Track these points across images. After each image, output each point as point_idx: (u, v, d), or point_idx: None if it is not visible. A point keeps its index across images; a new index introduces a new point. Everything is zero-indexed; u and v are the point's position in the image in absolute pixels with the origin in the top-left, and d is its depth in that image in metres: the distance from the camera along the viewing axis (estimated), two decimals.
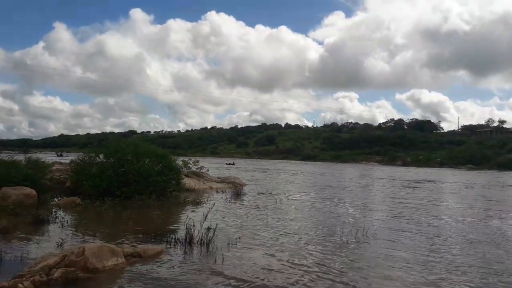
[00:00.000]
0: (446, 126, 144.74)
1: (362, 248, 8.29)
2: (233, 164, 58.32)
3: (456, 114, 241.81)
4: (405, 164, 75.87)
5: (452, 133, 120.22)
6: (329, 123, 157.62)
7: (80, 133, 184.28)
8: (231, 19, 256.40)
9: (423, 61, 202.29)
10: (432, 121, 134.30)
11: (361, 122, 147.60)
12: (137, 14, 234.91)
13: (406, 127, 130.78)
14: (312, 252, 7.81)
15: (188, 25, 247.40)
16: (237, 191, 18.28)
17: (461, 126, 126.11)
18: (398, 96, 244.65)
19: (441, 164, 71.02)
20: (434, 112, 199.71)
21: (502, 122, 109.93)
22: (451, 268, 6.96)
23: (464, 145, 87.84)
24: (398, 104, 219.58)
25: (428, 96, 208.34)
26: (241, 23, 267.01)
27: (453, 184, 29.66)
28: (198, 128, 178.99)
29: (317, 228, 10.26)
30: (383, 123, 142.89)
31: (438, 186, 27.36)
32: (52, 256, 6.16)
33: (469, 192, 22.70)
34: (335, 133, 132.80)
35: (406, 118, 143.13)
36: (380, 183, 28.67)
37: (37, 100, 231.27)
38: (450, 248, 8.49)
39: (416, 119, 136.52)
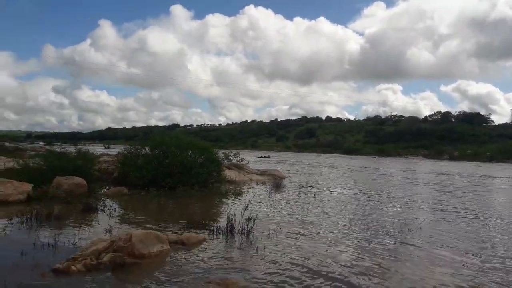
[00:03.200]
0: (496, 119, 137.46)
1: (404, 241, 8.09)
2: (269, 157, 55.76)
3: (507, 106, 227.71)
4: (452, 158, 72.84)
5: (503, 126, 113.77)
6: (372, 115, 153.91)
7: (126, 126, 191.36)
8: (269, 12, 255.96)
9: (470, 51, 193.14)
10: (481, 113, 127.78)
11: (406, 115, 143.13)
12: (177, 10, 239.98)
13: (453, 120, 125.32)
14: (352, 245, 7.73)
15: (227, 19, 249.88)
16: (277, 183, 18.34)
17: None
18: (443, 87, 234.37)
19: (491, 159, 67.52)
20: (483, 104, 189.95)
21: None
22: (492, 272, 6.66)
23: None
24: (443, 96, 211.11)
25: (476, 87, 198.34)
26: (280, 16, 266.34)
27: (503, 180, 28.16)
28: (238, 122, 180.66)
29: (357, 221, 10.13)
30: (429, 115, 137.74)
31: (486, 182, 26.09)
32: (101, 241, 6.48)
33: None
34: (378, 126, 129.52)
35: (453, 110, 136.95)
36: (425, 178, 27.74)
37: (86, 94, 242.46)
38: (496, 250, 8.12)
39: (465, 112, 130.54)
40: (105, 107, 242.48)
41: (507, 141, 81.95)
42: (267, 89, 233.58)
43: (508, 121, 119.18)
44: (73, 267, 5.52)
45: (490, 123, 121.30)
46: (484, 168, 44.28)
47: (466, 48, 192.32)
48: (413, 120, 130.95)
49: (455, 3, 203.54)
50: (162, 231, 7.65)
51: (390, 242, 7.99)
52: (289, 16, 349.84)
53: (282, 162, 45.60)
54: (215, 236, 7.92)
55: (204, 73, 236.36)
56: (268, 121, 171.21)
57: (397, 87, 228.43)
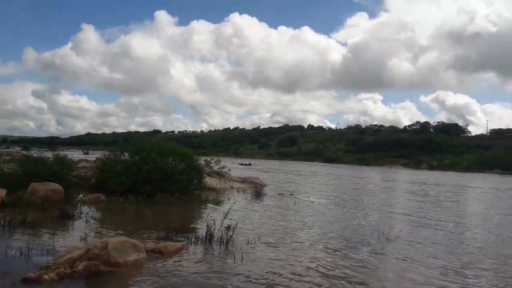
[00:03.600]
0: (473, 130, 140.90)
1: (381, 250, 8.18)
2: (249, 164, 54.66)
3: (483, 117, 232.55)
4: (430, 168, 74.19)
5: (480, 137, 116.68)
6: (353, 125, 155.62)
7: (106, 132, 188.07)
8: (254, 20, 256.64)
9: (449, 63, 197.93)
10: (459, 124, 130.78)
11: (386, 124, 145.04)
12: (161, 15, 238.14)
13: (432, 130, 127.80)
14: (331, 254, 7.76)
15: (211, 26, 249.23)
16: (257, 191, 18.33)
17: (490, 130, 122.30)
18: (422, 98, 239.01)
19: (468, 169, 69.03)
20: (460, 115, 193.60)
21: None
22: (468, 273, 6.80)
23: (492, 149, 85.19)
24: (423, 106, 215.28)
25: (454, 98, 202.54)
26: (264, 24, 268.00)
27: (480, 189, 28.82)
28: (221, 129, 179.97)
29: (336, 230, 10.21)
30: (408, 125, 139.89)
31: (463, 192, 26.66)
32: (76, 249, 6.34)
33: (496, 198, 22.04)
34: (359, 135, 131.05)
35: (432, 120, 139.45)
36: (404, 187, 28.16)
37: (65, 99, 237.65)
38: (472, 255, 8.28)
39: (443, 122, 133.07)
40: (85, 112, 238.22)
41: (484, 151, 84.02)
42: (251, 96, 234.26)
43: (485, 132, 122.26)
44: (45, 276, 5.38)
45: (467, 134, 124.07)
46: (461, 178, 45.24)
47: (444, 60, 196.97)
48: (393, 130, 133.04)
49: (435, 16, 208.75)
50: (139, 239, 7.54)
51: (367, 251, 8.06)
52: (274, 25, 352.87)
53: (263, 169, 45.62)
54: (193, 245, 7.85)
55: (188, 79, 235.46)
56: (251, 128, 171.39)
57: (378, 96, 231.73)
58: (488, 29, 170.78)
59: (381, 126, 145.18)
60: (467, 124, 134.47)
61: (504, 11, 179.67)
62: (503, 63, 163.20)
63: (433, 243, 9.12)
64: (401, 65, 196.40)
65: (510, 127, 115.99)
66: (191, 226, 10.04)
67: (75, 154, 41.01)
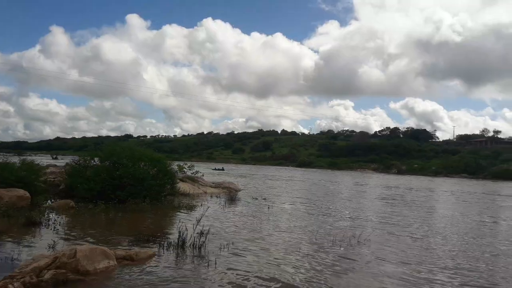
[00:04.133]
0: (441, 135, 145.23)
1: (352, 253, 8.33)
2: (222, 169, 54.38)
3: (450, 123, 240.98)
4: (400, 172, 75.97)
5: (447, 142, 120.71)
6: (325, 130, 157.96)
7: (76, 136, 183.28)
8: (227, 26, 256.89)
9: (417, 70, 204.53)
10: (427, 130, 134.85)
11: (356, 130, 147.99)
12: (133, 19, 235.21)
13: (401, 136, 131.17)
14: (303, 258, 7.84)
15: (184, 31, 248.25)
16: (231, 196, 18.30)
17: (457, 135, 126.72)
18: (392, 104, 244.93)
19: (436, 173, 71.11)
20: (428, 121, 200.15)
21: (496, 132, 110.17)
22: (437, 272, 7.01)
23: (459, 154, 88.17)
24: (392, 112, 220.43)
25: (422, 104, 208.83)
26: (237, 30, 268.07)
27: (447, 193, 29.75)
28: (194, 133, 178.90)
29: (309, 234, 10.31)
30: (379, 131, 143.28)
31: (431, 194, 27.45)
32: (43, 257, 6.15)
33: (461, 200, 22.79)
34: (331, 141, 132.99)
35: (401, 126, 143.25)
36: (374, 191, 28.73)
37: (33, 102, 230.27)
38: (438, 256, 8.54)
39: (412, 128, 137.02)
40: (54, 116, 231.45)
41: (451, 156, 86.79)
42: (224, 101, 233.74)
43: (452, 138, 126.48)
44: (10, 286, 5.19)
45: (435, 139, 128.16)
46: (429, 182, 46.56)
47: (413, 68, 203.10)
48: (364, 135, 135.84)
49: (403, 25, 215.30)
50: (109, 246, 7.39)
51: (338, 255, 8.18)
52: (247, 31, 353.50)
53: (237, 174, 45.57)
54: (165, 251, 7.76)
55: (160, 84, 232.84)
56: (225, 133, 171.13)
57: (349, 103, 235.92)
58: (453, 38, 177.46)
59: (353, 131, 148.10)
60: (435, 130, 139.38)
61: (469, 21, 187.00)
62: (468, 71, 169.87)
63: (402, 245, 9.35)
64: (371, 72, 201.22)
65: (475, 133, 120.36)
66: (164, 232, 9.91)
67: (43, 159, 39.71)
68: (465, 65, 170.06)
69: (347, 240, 9.48)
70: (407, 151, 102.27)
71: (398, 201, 21.28)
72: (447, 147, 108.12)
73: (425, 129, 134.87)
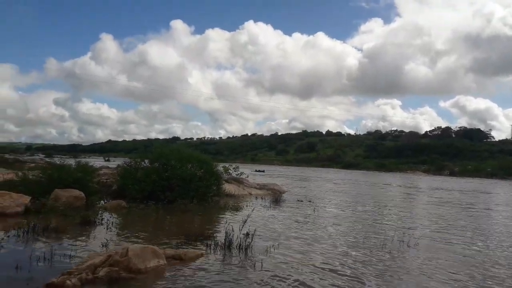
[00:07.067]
0: (496, 135, 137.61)
1: (399, 259, 8.03)
2: (263, 171, 54.02)
3: (506, 121, 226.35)
4: (452, 174, 72.74)
5: (503, 142, 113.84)
6: (372, 130, 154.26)
7: (127, 139, 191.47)
8: (269, 27, 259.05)
9: (467, 66, 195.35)
10: (482, 129, 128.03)
11: (405, 130, 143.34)
12: (177, 25, 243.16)
13: (454, 136, 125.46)
14: (350, 261, 7.66)
15: (227, 34, 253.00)
16: (276, 198, 18.27)
17: None
18: (442, 103, 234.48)
19: (491, 175, 67.37)
20: (482, 119, 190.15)
21: None
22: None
23: None
24: (442, 111, 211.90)
25: (475, 102, 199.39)
26: (279, 31, 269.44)
27: (505, 197, 28.04)
28: (239, 135, 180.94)
29: (355, 237, 10.07)
30: (429, 131, 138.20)
31: (487, 199, 25.98)
32: (98, 255, 6.42)
33: None
34: (378, 141, 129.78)
35: (454, 126, 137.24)
36: (425, 194, 27.63)
37: (86, 107, 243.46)
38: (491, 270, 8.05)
39: (465, 127, 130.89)
40: (106, 119, 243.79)
41: (508, 157, 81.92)
42: (267, 102, 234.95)
43: (508, 137, 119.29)
44: (68, 282, 5.45)
45: (490, 139, 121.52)
46: (485, 184, 44.15)
47: (463, 64, 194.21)
48: (413, 135, 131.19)
49: (450, 20, 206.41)
50: (159, 245, 7.59)
51: (385, 261, 7.93)
52: (288, 32, 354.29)
53: (282, 176, 45.49)
54: (213, 252, 7.85)
55: (205, 87, 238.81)
56: (268, 134, 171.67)
57: (396, 102, 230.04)
58: (505, 31, 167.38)
59: (401, 131, 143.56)
60: (490, 129, 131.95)
61: None
62: None
63: (452, 253, 8.91)
64: (418, 70, 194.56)
65: None
66: (210, 232, 10.06)
67: (96, 161, 41.76)
68: None
69: (396, 246, 9.16)
70: (459, 152, 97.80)
71: (450, 204, 20.32)
72: (503, 147, 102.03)
73: (479, 129, 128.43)
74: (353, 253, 8.38)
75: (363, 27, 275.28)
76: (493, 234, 11.65)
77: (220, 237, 8.72)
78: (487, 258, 8.42)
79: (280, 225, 11.44)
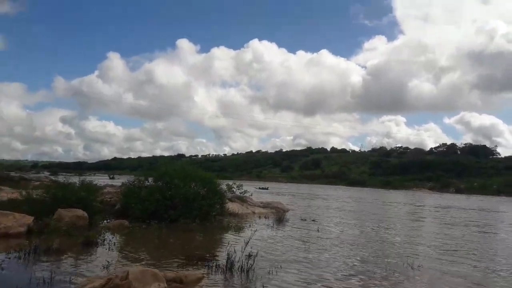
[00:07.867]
0: (502, 152, 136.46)
1: (403, 281, 7.92)
2: (267, 188, 53.68)
3: (511, 138, 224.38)
4: (458, 191, 72.06)
5: (510, 158, 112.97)
6: (376, 147, 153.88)
7: (132, 156, 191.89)
8: (273, 45, 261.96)
9: (472, 83, 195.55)
10: (487, 146, 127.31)
11: (410, 146, 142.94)
12: (183, 43, 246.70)
13: (459, 152, 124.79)
14: (354, 284, 7.56)
15: (232, 52, 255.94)
16: (279, 216, 18.15)
17: None
18: (446, 119, 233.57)
19: (498, 192, 66.65)
20: (487, 136, 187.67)
21: None
22: None
23: None
24: (447, 127, 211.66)
25: (479, 119, 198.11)
26: (283, 49, 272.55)
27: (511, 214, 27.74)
28: (243, 152, 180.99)
29: (360, 259, 9.95)
30: (434, 147, 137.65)
31: (494, 217, 25.67)
32: (98, 278, 6.39)
33: None
34: (383, 158, 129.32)
35: (459, 142, 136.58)
36: (431, 213, 27.36)
37: (92, 124, 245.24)
38: None
39: (470, 144, 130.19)
40: (112, 137, 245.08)
41: None
42: (272, 120, 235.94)
43: None
44: None
45: (496, 155, 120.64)
46: (492, 202, 43.68)
47: (467, 80, 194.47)
48: (419, 152, 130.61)
49: (453, 37, 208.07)
50: (160, 267, 7.55)
51: (390, 279, 7.82)
52: (292, 49, 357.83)
53: (286, 193, 45.26)
54: (214, 273, 7.79)
55: (210, 104, 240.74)
56: (273, 151, 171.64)
57: (401, 118, 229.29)
58: (508, 48, 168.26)
59: (406, 148, 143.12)
60: (496, 146, 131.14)
61: None
62: None
63: (458, 276, 8.78)
64: (422, 86, 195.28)
65: None
66: (213, 253, 9.99)
67: (101, 179, 41.85)
68: None
69: (400, 268, 9.05)
70: (465, 169, 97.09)
71: (456, 223, 20.09)
72: (509, 164, 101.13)
73: (484, 145, 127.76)
74: (357, 276, 8.27)
75: (366, 45, 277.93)
76: (501, 256, 11.47)
77: (222, 258, 8.66)
78: (493, 284, 8.29)
79: (283, 246, 11.34)
